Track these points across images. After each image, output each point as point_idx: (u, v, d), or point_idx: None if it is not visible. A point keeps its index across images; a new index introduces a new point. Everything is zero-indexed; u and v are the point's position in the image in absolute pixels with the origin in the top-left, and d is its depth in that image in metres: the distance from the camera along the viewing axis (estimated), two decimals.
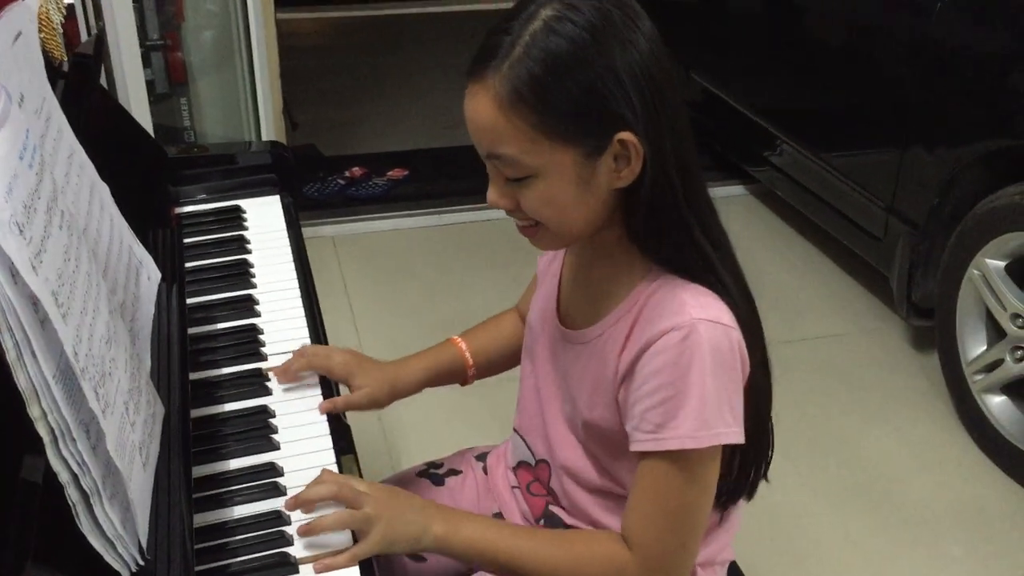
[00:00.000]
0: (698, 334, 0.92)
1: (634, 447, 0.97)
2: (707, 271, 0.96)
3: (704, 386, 0.92)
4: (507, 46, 0.89)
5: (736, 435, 0.95)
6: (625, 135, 0.90)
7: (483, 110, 0.91)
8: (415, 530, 0.99)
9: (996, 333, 2.26)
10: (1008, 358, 2.19)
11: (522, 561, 1.01)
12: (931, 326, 2.48)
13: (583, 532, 1.09)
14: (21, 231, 0.71)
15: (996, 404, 2.26)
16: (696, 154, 0.96)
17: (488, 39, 0.92)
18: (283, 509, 1.01)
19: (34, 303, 0.72)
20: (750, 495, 1.11)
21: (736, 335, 0.95)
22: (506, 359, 1.31)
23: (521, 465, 1.21)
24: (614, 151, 0.91)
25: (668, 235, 0.95)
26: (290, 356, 1.21)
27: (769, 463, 1.09)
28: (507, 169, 0.93)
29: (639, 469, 0.98)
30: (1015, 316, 2.17)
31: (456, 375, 1.29)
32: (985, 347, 2.29)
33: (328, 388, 1.22)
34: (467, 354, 1.28)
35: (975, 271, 2.25)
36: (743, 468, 1.04)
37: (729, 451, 0.98)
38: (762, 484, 1.11)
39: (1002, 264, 2.20)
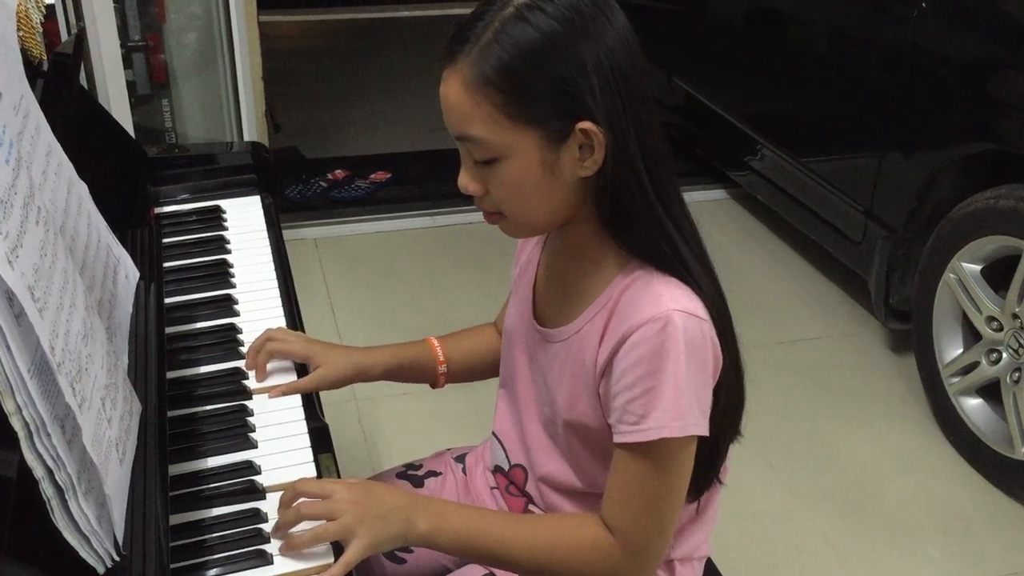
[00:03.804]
0: (674, 325, 0.93)
1: (618, 439, 0.98)
2: (677, 261, 0.97)
3: (678, 376, 0.93)
4: (478, 31, 0.92)
5: (702, 428, 0.97)
6: (587, 124, 0.92)
7: (453, 92, 0.94)
8: (399, 528, 0.98)
9: (972, 336, 2.28)
10: (984, 361, 2.22)
11: (508, 549, 1.01)
12: (908, 329, 2.51)
13: (569, 518, 1.09)
14: None
15: (972, 406, 2.28)
16: (665, 146, 0.98)
17: (460, 25, 0.95)
18: (264, 520, 1.00)
19: (9, 298, 0.72)
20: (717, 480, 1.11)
21: (709, 328, 0.97)
22: (481, 369, 1.31)
23: (497, 469, 1.22)
24: (578, 140, 0.93)
25: (636, 224, 0.97)
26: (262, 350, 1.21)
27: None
28: (476, 151, 0.96)
29: (616, 457, 0.99)
30: (990, 319, 2.19)
31: (426, 373, 1.28)
32: (961, 350, 2.31)
33: (303, 371, 1.22)
34: (439, 354, 1.27)
35: (951, 275, 2.27)
36: (712, 455, 1.05)
37: (700, 439, 0.99)
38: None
39: (978, 268, 2.23)
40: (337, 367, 1.20)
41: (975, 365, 2.24)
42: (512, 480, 1.19)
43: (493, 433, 1.23)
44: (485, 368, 1.31)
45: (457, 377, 1.30)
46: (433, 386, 1.30)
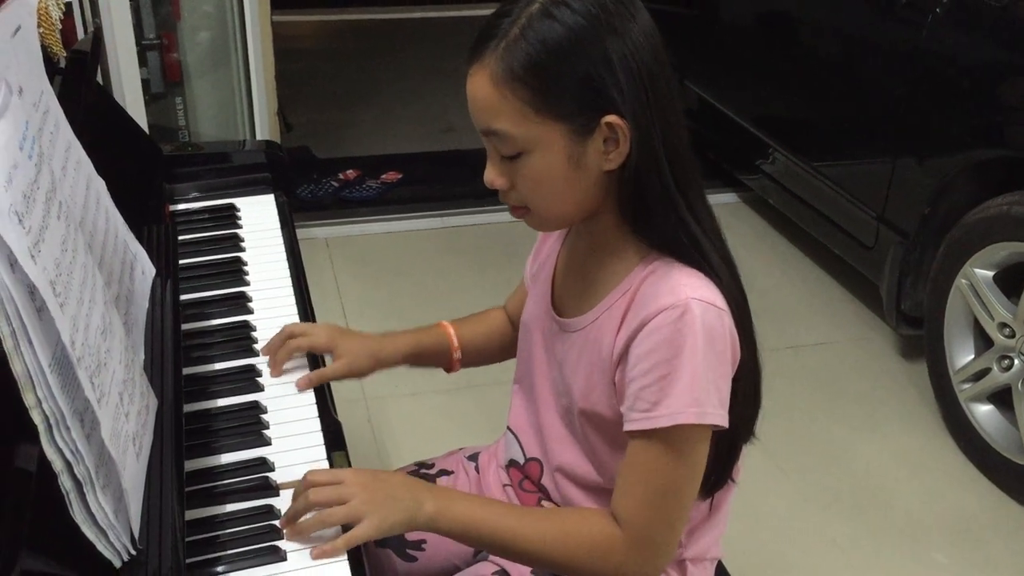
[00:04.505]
0: (692, 313, 0.94)
1: (628, 426, 0.98)
2: (697, 253, 0.98)
3: (696, 364, 0.94)
4: (505, 28, 0.94)
5: (721, 418, 0.97)
6: (612, 118, 0.93)
7: (480, 88, 0.95)
8: (407, 510, 0.99)
9: (984, 342, 2.27)
10: (995, 367, 2.21)
11: (513, 538, 1.01)
12: (920, 335, 2.50)
13: (574, 509, 1.10)
14: (20, 220, 0.71)
15: (983, 413, 2.27)
16: (688, 142, 0.99)
17: (488, 22, 0.96)
18: (278, 516, 1.00)
19: (31, 292, 0.73)
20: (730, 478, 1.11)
21: (728, 319, 0.97)
22: (492, 351, 1.33)
23: (511, 464, 1.22)
24: (603, 133, 0.94)
25: (657, 217, 0.97)
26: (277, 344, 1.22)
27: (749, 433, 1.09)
28: (502, 146, 0.97)
29: (630, 448, 0.99)
30: (1002, 325, 2.18)
31: (441, 358, 1.30)
32: (972, 356, 2.30)
33: (315, 364, 1.23)
34: (454, 338, 1.29)
35: (964, 280, 2.26)
36: (729, 451, 1.05)
37: (716, 434, 0.99)
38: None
39: (990, 274, 2.22)
40: (359, 358, 1.22)
41: (986, 371, 2.24)
42: (527, 474, 1.19)
43: (508, 428, 1.23)
44: (496, 351, 1.34)
45: (471, 361, 1.32)
46: (447, 371, 1.32)
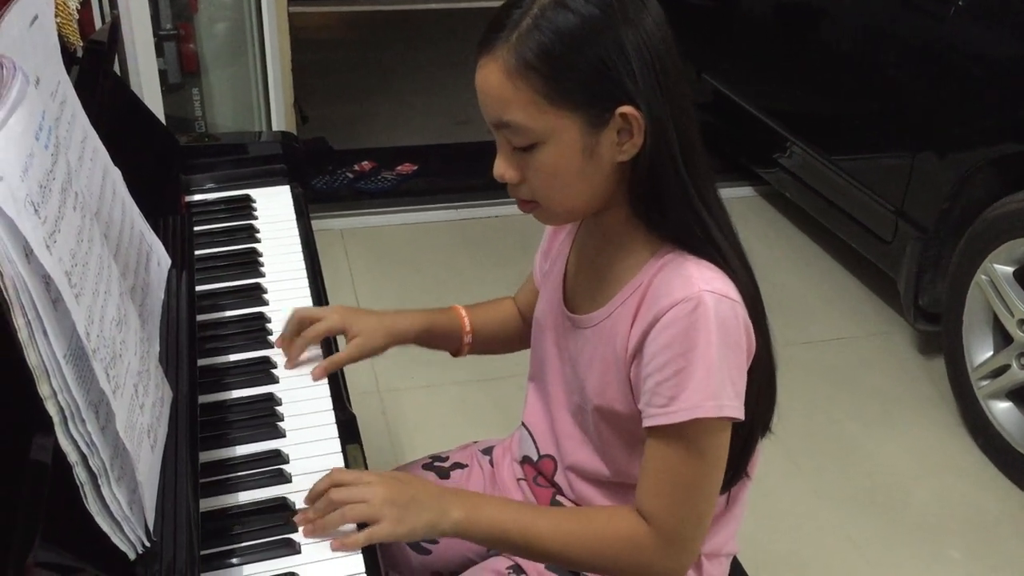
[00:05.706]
0: (705, 306, 0.93)
1: (647, 423, 0.97)
2: (709, 244, 0.97)
3: (710, 357, 0.93)
4: (516, 18, 0.92)
5: (738, 410, 0.96)
6: (627, 109, 0.92)
7: (492, 79, 0.94)
8: (430, 516, 0.98)
9: (1003, 339, 2.25)
10: (1014, 364, 2.19)
11: (542, 541, 1.01)
12: (938, 331, 2.48)
13: (600, 509, 1.09)
14: (36, 210, 0.71)
15: (1001, 410, 2.25)
16: (699, 132, 0.98)
17: (498, 13, 0.95)
18: (294, 508, 1.00)
19: (47, 283, 0.73)
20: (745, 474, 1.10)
21: (742, 311, 0.96)
22: (501, 340, 1.33)
23: (525, 460, 1.22)
24: (617, 125, 0.93)
25: (670, 208, 0.97)
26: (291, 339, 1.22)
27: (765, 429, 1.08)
28: (515, 138, 0.95)
29: (649, 444, 0.98)
30: (1022, 322, 2.16)
31: (452, 340, 1.29)
32: (991, 353, 2.28)
33: (329, 351, 1.23)
34: (467, 322, 1.28)
35: (983, 276, 2.24)
36: (744, 445, 1.04)
37: (733, 428, 0.98)
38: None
39: (1010, 270, 2.20)
40: (374, 335, 1.21)
41: (1005, 368, 2.22)
42: (540, 471, 1.19)
43: (523, 424, 1.23)
44: (505, 341, 1.33)
45: (480, 347, 1.31)
46: (455, 354, 1.31)
